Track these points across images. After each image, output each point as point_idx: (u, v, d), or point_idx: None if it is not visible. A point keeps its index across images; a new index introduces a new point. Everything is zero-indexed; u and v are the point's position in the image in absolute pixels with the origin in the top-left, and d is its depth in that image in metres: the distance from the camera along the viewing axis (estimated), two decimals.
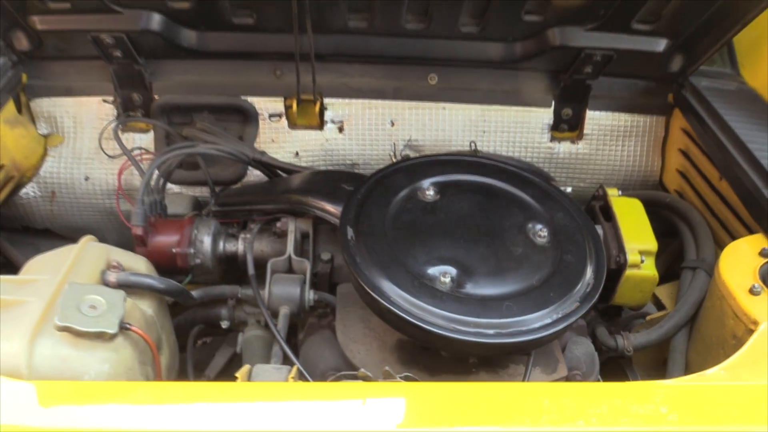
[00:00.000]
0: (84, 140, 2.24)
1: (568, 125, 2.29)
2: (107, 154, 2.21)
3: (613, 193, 1.98)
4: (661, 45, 2.05)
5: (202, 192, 2.28)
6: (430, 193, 1.72)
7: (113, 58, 2.09)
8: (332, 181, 1.85)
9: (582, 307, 1.49)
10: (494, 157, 1.96)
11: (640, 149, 2.31)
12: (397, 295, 1.46)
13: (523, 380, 1.58)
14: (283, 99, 2.23)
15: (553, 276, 1.54)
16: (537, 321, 1.45)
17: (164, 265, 1.85)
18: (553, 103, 2.25)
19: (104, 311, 1.47)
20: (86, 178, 2.25)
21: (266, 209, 1.92)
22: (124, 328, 1.47)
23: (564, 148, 2.30)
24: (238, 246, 1.92)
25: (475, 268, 1.54)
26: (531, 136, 2.28)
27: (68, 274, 1.57)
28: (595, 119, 2.28)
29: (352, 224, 1.61)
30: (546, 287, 1.51)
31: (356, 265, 1.52)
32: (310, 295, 1.72)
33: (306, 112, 2.23)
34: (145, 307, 1.65)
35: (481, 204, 1.71)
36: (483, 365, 1.64)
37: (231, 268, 1.99)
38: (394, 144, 2.21)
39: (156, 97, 2.21)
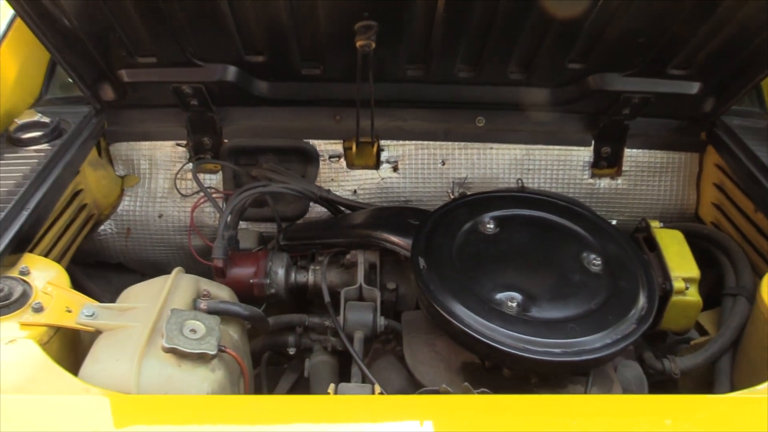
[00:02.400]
0: (158, 180, 2.43)
1: (607, 162, 2.46)
2: (181, 193, 2.40)
3: (655, 225, 2.13)
4: (694, 88, 2.22)
5: (266, 228, 2.46)
6: (490, 226, 1.87)
7: (190, 107, 2.29)
8: (399, 216, 2.01)
9: (638, 328, 1.62)
10: (544, 193, 2.11)
11: (676, 184, 2.47)
12: (470, 318, 1.60)
13: None
14: (342, 141, 2.42)
15: (609, 300, 1.68)
16: (598, 341, 1.58)
17: (241, 294, 2.00)
18: (593, 142, 2.42)
19: (204, 335, 1.63)
20: (160, 216, 2.43)
21: (335, 243, 2.08)
22: (220, 350, 1.63)
23: (604, 183, 2.46)
24: (309, 277, 2.08)
25: (538, 293, 1.69)
26: (573, 173, 2.45)
27: (165, 302, 1.73)
28: (632, 156, 2.44)
29: (423, 255, 1.76)
30: (604, 311, 1.65)
31: (430, 291, 1.67)
32: (381, 321, 1.87)
33: (363, 154, 2.41)
34: (231, 332, 1.81)
35: (538, 236, 1.87)
36: (543, 385, 1.77)
37: (299, 298, 2.15)
38: (453, 182, 2.39)
39: (225, 140, 2.40)
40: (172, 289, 1.79)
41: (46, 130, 2.11)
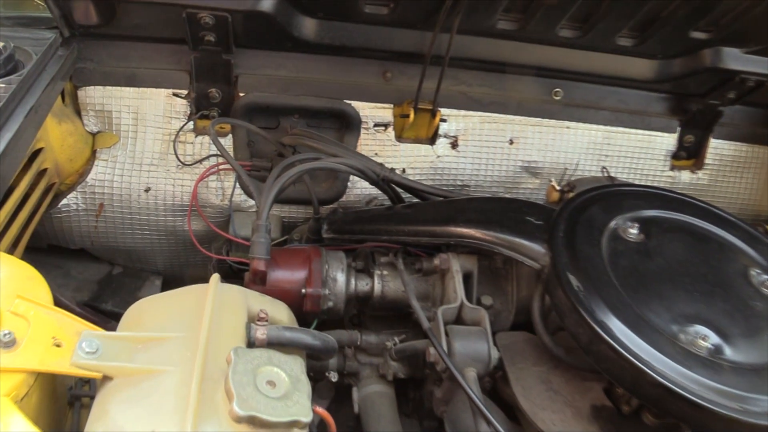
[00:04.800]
0: (146, 142, 1.72)
1: (686, 153, 2.03)
2: (181, 161, 1.72)
3: None
4: None
5: (289, 212, 1.83)
6: (633, 231, 1.38)
7: (202, 43, 1.60)
8: (512, 211, 1.46)
9: None
10: (662, 189, 1.64)
11: (756, 182, 2.08)
12: (663, 365, 1.11)
13: None
14: (392, 106, 1.82)
15: None
16: None
17: None
18: (678, 128, 1.99)
19: (288, 389, 1.02)
20: (147, 189, 1.73)
21: (414, 241, 1.50)
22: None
23: (685, 177, 2.03)
24: (374, 284, 1.50)
25: (725, 327, 1.22)
26: (653, 163, 2.00)
27: (210, 330, 1.10)
28: (717, 148, 2.03)
29: (572, 270, 1.24)
30: None
31: (601, 323, 1.15)
32: (495, 353, 1.33)
33: (418, 124, 1.83)
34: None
35: (692, 246, 1.39)
36: None
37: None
38: (565, 169, 1.86)
39: (241, 94, 1.74)
40: (216, 306, 1.15)
41: None
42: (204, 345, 1.06)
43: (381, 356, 1.56)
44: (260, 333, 1.15)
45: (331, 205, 1.82)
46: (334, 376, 1.55)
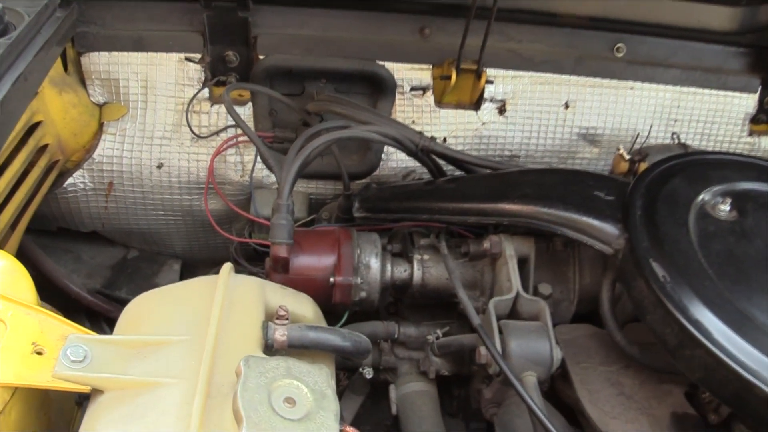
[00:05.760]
0: (157, 113, 1.53)
1: (767, 116, 1.75)
2: (195, 133, 1.52)
3: None
4: None
5: (317, 189, 1.63)
6: (724, 208, 1.13)
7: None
8: (576, 185, 1.22)
9: None
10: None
11: None
12: None
13: None
14: (431, 67, 1.59)
15: None
16: None
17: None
18: (759, 88, 1.71)
19: (311, 408, 0.82)
20: (159, 166, 1.54)
21: (459, 221, 1.29)
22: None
23: (765, 144, 1.76)
24: (413, 271, 1.29)
25: None
26: (729, 128, 1.73)
27: (219, 331, 0.91)
28: None
29: (655, 255, 1.01)
30: None
31: (696, 322, 0.92)
32: (557, 354, 1.11)
33: (460, 86, 1.60)
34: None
35: None
36: None
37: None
38: (637, 134, 1.61)
39: (261, 56, 1.53)
40: (226, 302, 0.95)
41: None
42: (211, 351, 0.87)
43: (422, 350, 1.37)
44: (279, 334, 0.96)
45: (364, 180, 1.60)
46: (369, 373, 1.36)
